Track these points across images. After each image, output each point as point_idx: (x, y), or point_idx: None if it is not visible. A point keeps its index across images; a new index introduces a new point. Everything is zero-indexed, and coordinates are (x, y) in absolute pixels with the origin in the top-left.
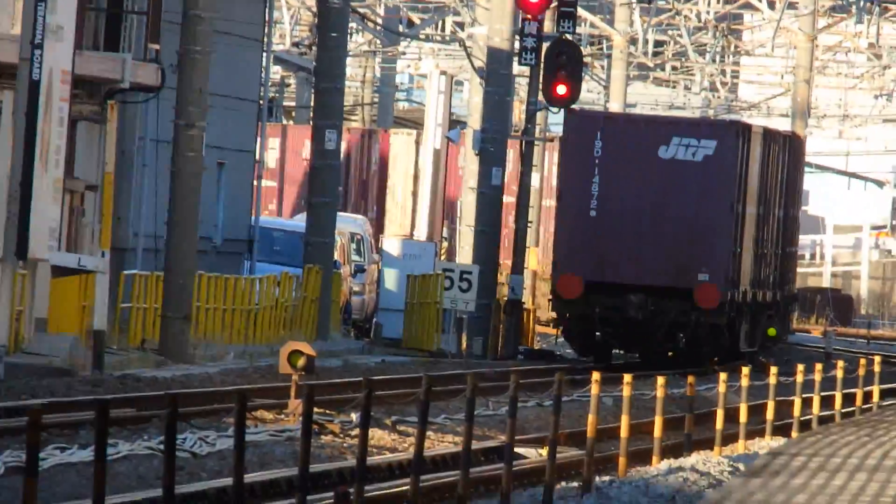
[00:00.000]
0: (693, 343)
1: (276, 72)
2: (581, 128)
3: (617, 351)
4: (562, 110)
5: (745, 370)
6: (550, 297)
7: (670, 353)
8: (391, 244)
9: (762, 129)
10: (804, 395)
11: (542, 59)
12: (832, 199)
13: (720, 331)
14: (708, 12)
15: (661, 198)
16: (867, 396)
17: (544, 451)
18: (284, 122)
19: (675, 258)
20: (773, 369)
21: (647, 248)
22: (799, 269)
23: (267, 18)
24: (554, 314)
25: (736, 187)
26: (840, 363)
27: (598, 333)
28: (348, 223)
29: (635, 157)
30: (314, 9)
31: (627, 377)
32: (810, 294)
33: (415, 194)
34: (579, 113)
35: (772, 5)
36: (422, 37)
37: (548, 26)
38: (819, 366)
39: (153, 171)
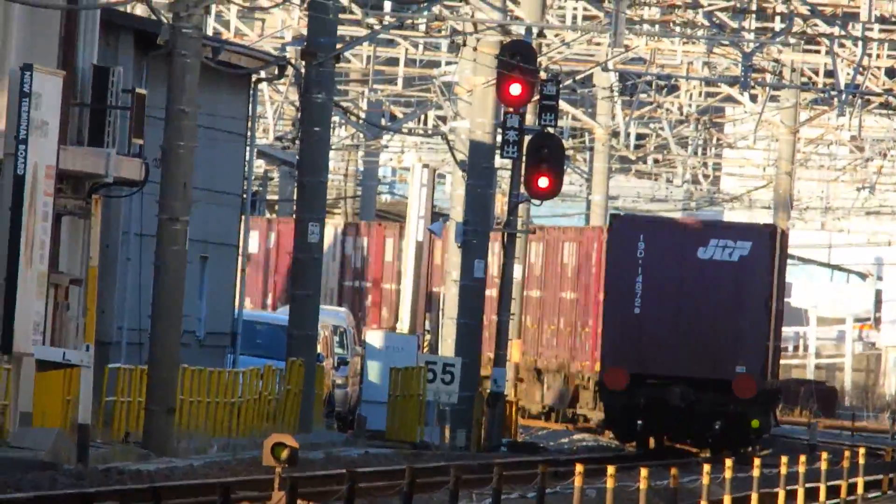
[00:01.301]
0: (731, 430)
1: (260, 165)
2: (625, 231)
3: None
4: (543, 203)
5: (729, 462)
6: (597, 388)
7: (710, 440)
8: (374, 336)
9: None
10: (788, 488)
11: (524, 152)
12: (815, 291)
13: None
14: (690, 105)
15: (700, 295)
16: (852, 488)
17: None
18: (268, 215)
19: (715, 352)
20: (757, 461)
21: (688, 342)
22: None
23: (250, 113)
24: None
25: (770, 285)
26: (824, 455)
27: (639, 422)
28: (331, 316)
29: (676, 258)
30: (297, 103)
31: (611, 469)
32: (794, 386)
33: (397, 287)
34: (624, 217)
35: (753, 98)
36: (404, 131)
37: (529, 119)
38: (803, 457)
39: (137, 264)
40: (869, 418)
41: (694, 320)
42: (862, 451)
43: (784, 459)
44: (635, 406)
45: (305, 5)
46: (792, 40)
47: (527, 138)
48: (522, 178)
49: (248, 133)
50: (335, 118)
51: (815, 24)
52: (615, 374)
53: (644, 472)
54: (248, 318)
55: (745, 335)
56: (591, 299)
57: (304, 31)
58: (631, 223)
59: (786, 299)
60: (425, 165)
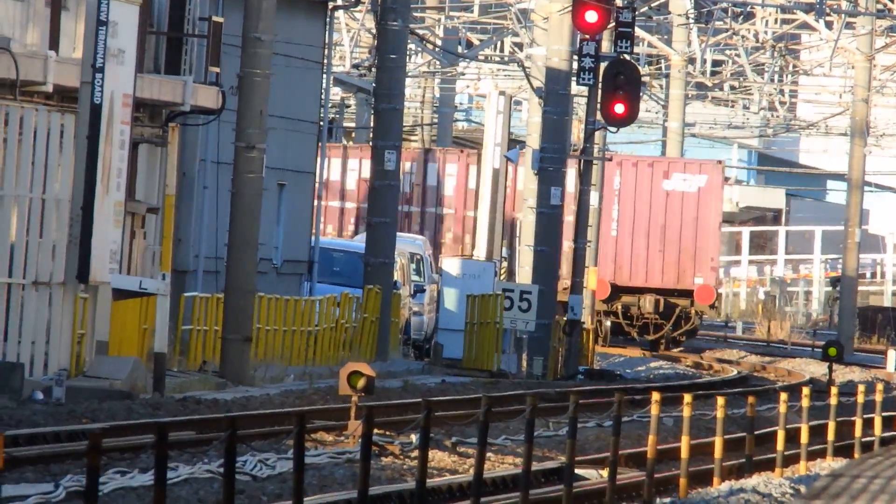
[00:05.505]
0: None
1: (336, 93)
2: (606, 169)
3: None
4: (619, 129)
5: (806, 391)
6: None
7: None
8: (451, 264)
9: None
10: (865, 416)
11: (601, 79)
12: (893, 217)
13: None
14: (766, 32)
15: (665, 219)
16: None
17: (605, 473)
18: (344, 142)
19: (678, 266)
20: (834, 390)
21: (655, 259)
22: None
23: (327, 41)
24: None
25: (720, 211)
26: None
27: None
28: (408, 243)
29: (645, 189)
30: (374, 31)
31: (688, 397)
32: (871, 313)
33: (474, 214)
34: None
35: (829, 25)
36: (481, 58)
37: (606, 46)
38: (880, 386)
39: (213, 193)
40: None
41: (660, 241)
42: None
43: (861, 388)
44: (615, 311)
45: None
46: None
47: (603, 65)
48: (598, 105)
49: (325, 61)
50: (411, 45)
51: None
52: (600, 285)
53: (721, 400)
54: (324, 246)
55: (703, 253)
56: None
57: None
58: (610, 163)
59: (863, 227)
60: (501, 92)
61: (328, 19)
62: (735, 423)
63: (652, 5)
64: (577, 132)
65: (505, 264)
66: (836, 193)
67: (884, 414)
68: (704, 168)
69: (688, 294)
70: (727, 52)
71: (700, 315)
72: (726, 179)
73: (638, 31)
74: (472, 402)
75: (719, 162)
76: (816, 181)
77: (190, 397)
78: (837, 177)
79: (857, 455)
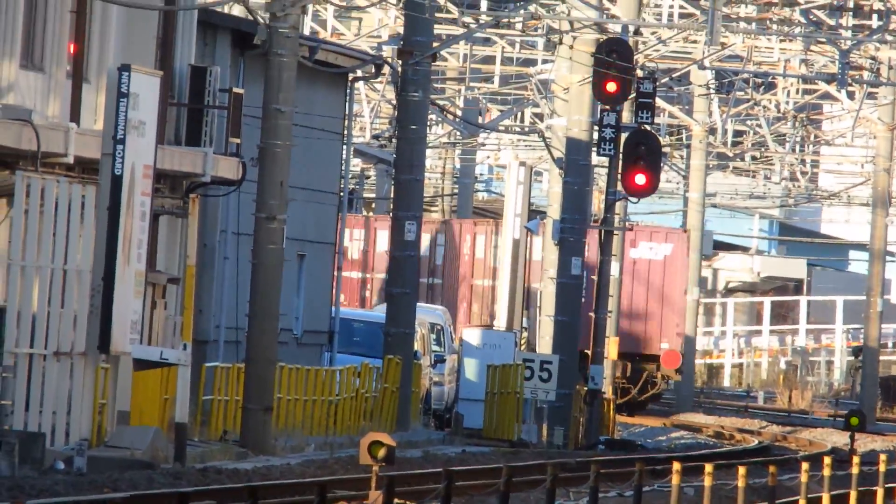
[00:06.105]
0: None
1: (357, 164)
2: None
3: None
4: (640, 200)
5: (828, 460)
6: None
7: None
8: (471, 334)
9: None
10: (887, 485)
11: (621, 150)
12: None
13: None
14: (787, 102)
15: (633, 287)
16: None
17: None
18: (364, 213)
19: (645, 332)
20: (856, 459)
21: (624, 326)
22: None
23: (347, 111)
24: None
25: (686, 278)
26: None
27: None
28: (428, 313)
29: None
30: (394, 102)
31: (709, 467)
32: (893, 382)
33: (494, 284)
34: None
35: (851, 95)
36: (501, 128)
37: (626, 117)
38: None
39: (234, 263)
40: None
41: (627, 307)
42: None
43: (883, 457)
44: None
45: (402, 4)
46: (889, 37)
47: (623, 136)
48: (619, 176)
49: (345, 131)
50: (432, 116)
51: None
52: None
53: (742, 470)
54: (345, 316)
55: (669, 319)
56: None
57: (401, 30)
58: (630, 231)
59: (885, 296)
60: (522, 163)
61: (348, 90)
62: (756, 493)
63: (673, 76)
64: (597, 202)
65: (525, 334)
66: (858, 263)
67: None
68: (671, 237)
69: (654, 359)
70: (748, 122)
71: (666, 379)
72: (746, 249)
73: (659, 102)
74: (492, 471)
75: (685, 230)
76: (838, 251)
77: (211, 467)
78: (859, 246)
79: None
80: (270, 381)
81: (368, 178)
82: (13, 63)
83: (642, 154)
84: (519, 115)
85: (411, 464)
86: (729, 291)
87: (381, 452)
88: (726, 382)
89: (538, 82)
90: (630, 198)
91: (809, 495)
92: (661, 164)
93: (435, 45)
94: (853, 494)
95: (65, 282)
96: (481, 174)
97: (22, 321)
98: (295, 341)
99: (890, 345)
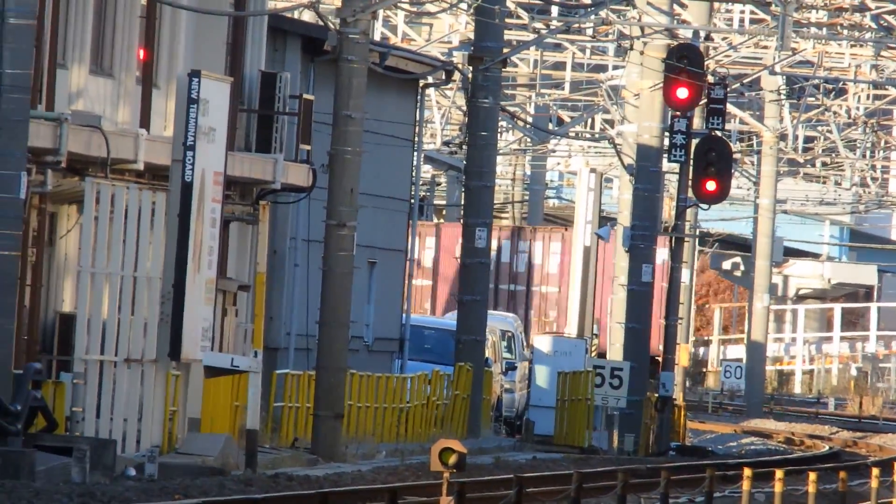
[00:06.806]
0: None
1: (427, 170)
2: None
3: None
4: (711, 206)
5: None
6: None
7: None
8: (542, 341)
9: None
10: None
11: (692, 156)
12: None
13: None
14: (858, 108)
15: None
16: None
17: None
18: (435, 220)
19: None
20: None
21: None
22: None
23: (417, 118)
24: None
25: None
26: None
27: None
28: (499, 321)
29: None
30: (464, 108)
31: (779, 473)
32: None
33: (564, 291)
34: None
35: None
36: (571, 134)
37: (697, 123)
38: None
39: (304, 270)
40: None
41: None
42: None
43: None
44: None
45: (473, 10)
46: None
47: (694, 142)
48: (690, 182)
49: (416, 138)
50: (502, 122)
51: None
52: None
53: (812, 475)
54: (415, 324)
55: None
56: None
57: (472, 36)
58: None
59: None
60: (592, 170)
61: (419, 97)
62: (827, 499)
63: (744, 81)
64: (668, 209)
65: (595, 341)
66: None
67: None
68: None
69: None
70: (819, 127)
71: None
72: (817, 256)
73: (729, 108)
74: (563, 477)
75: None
76: None
77: (282, 473)
78: None
79: None
80: (341, 389)
81: (439, 184)
82: (83, 69)
83: (713, 160)
84: (589, 121)
85: (482, 470)
86: (799, 298)
87: (452, 459)
88: (797, 389)
89: (608, 88)
90: (701, 204)
91: (880, 500)
92: (732, 171)
93: (505, 50)
94: None
95: (135, 289)
96: (552, 181)
97: (92, 328)
98: (366, 348)
99: None
